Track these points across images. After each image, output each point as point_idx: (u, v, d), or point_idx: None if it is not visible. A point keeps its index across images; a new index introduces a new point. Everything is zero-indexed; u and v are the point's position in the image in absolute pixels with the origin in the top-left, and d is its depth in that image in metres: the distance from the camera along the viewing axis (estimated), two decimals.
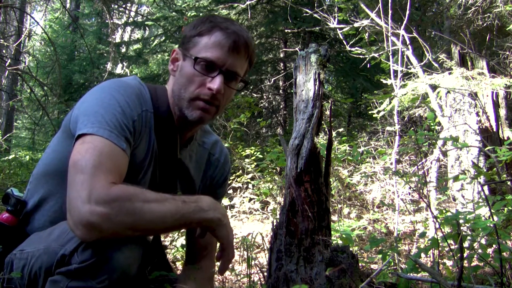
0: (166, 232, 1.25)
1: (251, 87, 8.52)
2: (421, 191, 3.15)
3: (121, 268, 1.02)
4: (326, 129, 4.41)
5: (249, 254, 2.25)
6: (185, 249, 1.43)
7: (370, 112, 5.14)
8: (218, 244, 1.28)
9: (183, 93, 1.26)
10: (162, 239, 3.22)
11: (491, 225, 1.81)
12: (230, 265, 2.97)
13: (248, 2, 6.14)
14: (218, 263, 1.28)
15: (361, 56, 5.28)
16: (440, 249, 2.20)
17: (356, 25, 5.23)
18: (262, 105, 8.60)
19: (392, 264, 2.58)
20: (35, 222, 1.28)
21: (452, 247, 1.83)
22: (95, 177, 1.00)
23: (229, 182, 1.50)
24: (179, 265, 3.14)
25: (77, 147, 1.06)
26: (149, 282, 1.39)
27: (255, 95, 8.42)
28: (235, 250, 1.58)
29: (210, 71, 1.25)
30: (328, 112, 3.91)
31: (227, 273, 2.80)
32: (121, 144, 1.09)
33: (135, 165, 1.21)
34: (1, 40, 5.90)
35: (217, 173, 1.51)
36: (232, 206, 4.47)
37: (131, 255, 1.04)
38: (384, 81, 4.68)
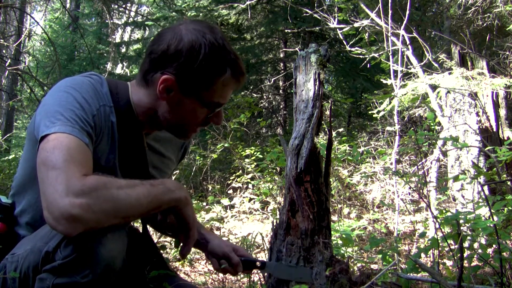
0: (142, 216, 1.25)
1: (251, 87, 8.52)
2: (421, 191, 3.15)
3: (103, 262, 1.03)
4: (326, 129, 4.41)
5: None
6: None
7: (370, 112, 5.14)
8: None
9: (180, 123, 1.30)
10: (161, 239, 3.22)
11: (491, 225, 1.81)
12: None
13: (248, 2, 6.14)
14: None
15: (361, 56, 5.27)
16: (440, 249, 2.20)
17: (356, 25, 5.23)
18: (262, 105, 8.59)
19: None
20: (22, 227, 1.31)
21: (452, 247, 1.83)
22: (68, 170, 1.02)
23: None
24: (179, 265, 3.14)
25: (43, 146, 1.07)
26: (148, 281, 1.40)
27: (255, 95, 8.41)
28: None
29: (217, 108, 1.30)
30: (328, 112, 3.91)
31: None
32: (84, 139, 1.12)
33: (101, 159, 1.24)
34: (1, 40, 5.90)
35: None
36: (232, 206, 4.46)
37: (112, 247, 1.05)
38: (384, 81, 4.68)
